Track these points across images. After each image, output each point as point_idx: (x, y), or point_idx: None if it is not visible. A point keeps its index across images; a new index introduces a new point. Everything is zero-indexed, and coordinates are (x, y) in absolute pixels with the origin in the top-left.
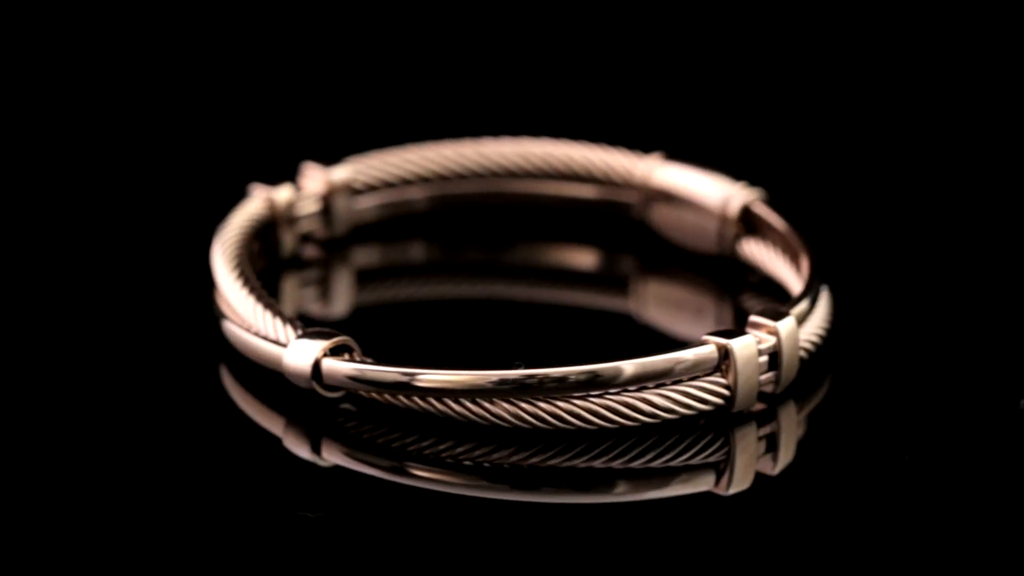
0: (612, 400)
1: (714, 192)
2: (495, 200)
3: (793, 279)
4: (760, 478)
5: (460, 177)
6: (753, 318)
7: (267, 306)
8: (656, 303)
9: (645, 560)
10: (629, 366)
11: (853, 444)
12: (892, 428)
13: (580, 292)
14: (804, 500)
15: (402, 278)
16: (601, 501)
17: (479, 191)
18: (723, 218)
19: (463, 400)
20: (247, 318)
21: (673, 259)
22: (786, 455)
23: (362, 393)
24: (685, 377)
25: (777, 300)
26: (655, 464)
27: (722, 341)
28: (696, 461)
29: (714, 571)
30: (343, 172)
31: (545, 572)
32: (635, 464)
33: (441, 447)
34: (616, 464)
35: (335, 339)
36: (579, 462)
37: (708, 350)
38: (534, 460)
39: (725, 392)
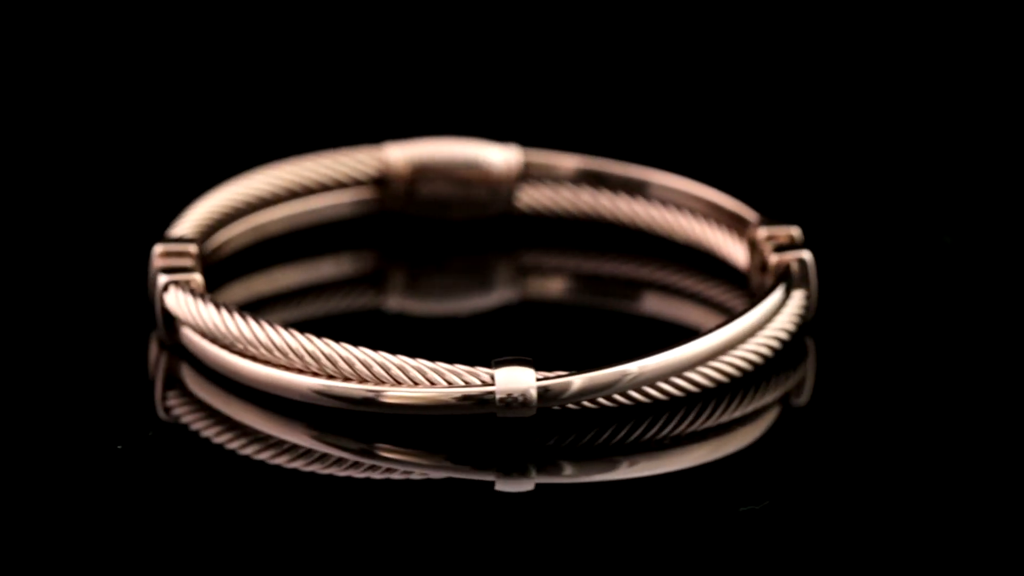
0: (736, 353)
1: (484, 156)
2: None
3: (626, 211)
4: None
5: (255, 208)
6: (764, 230)
7: (420, 358)
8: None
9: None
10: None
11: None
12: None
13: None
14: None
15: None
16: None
17: (280, 218)
18: (505, 177)
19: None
20: (417, 376)
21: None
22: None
23: (571, 405)
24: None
25: (563, 244)
26: (766, 398)
27: (796, 256)
28: (777, 381)
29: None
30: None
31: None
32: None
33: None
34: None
35: (529, 361)
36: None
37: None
38: (666, 432)
39: (807, 303)
